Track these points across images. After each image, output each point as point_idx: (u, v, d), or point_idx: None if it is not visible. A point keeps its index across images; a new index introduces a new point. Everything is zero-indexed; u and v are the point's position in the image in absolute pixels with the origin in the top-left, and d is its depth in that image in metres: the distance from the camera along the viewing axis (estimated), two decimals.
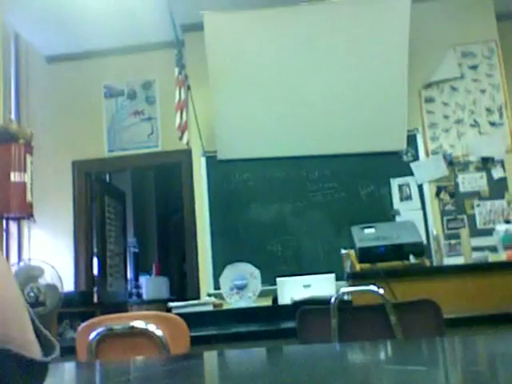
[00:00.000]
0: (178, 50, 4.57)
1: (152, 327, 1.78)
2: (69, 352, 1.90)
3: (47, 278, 4.37)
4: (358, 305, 1.91)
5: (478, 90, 4.74)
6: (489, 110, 4.72)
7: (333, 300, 1.74)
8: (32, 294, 4.24)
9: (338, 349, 1.27)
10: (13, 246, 4.76)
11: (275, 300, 3.50)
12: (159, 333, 1.78)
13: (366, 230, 3.26)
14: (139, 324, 1.79)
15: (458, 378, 0.77)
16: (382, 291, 1.75)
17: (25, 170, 4.21)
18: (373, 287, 1.77)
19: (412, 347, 1.18)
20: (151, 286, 6.25)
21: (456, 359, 1.03)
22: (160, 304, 5.09)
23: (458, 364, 0.95)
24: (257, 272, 3.46)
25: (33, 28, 4.77)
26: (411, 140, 4.75)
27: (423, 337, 1.67)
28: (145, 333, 1.79)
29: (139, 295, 6.49)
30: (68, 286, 4.71)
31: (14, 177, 4.16)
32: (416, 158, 4.76)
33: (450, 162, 4.71)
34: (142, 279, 6.42)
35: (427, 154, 4.76)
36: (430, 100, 4.80)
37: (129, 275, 6.50)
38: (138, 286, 6.56)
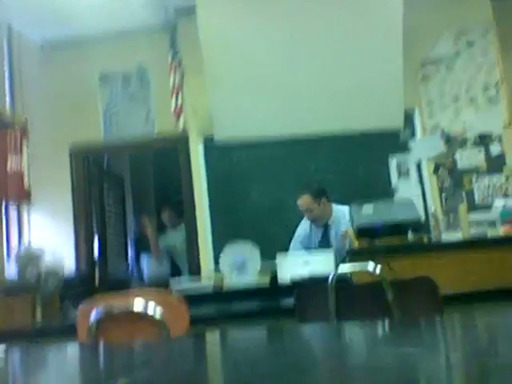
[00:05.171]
0: (170, 34, 4.53)
1: (151, 308, 1.80)
2: (71, 331, 1.92)
3: (48, 262, 4.40)
4: (355, 283, 1.93)
5: (474, 67, 4.72)
6: (485, 87, 4.70)
7: (330, 279, 1.76)
8: (33, 278, 4.27)
9: (331, 329, 1.29)
10: (13, 230, 4.78)
11: (274, 276, 3.50)
12: (158, 313, 1.80)
13: (364, 208, 3.27)
14: (138, 306, 1.81)
15: (456, 359, 0.78)
16: (378, 270, 1.76)
17: (21, 156, 4.21)
18: (370, 266, 1.78)
19: (406, 327, 1.19)
20: (152, 265, 6.26)
21: (453, 338, 1.05)
22: (161, 283, 5.12)
23: (454, 344, 0.97)
24: (256, 250, 3.48)
25: (25, 16, 4.72)
26: (408, 118, 4.74)
27: (420, 314, 1.69)
28: (144, 313, 1.81)
29: (141, 276, 6.51)
30: (69, 268, 4.73)
31: (11, 163, 4.16)
32: (413, 135, 4.76)
33: (448, 139, 4.71)
34: (143, 259, 6.43)
35: (424, 132, 4.75)
36: (426, 78, 4.78)
37: (129, 256, 6.53)
38: (139, 266, 6.58)
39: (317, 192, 3.82)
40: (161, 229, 5.48)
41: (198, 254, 4.79)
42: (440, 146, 4.70)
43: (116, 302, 1.83)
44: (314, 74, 4.63)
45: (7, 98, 4.92)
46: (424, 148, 4.74)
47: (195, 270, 4.78)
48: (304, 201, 3.79)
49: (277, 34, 4.55)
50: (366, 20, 4.48)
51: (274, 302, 2.59)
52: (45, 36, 5.05)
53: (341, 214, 3.79)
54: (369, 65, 4.57)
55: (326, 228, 3.86)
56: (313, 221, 3.86)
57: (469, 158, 4.68)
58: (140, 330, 1.81)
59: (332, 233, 3.91)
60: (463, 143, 4.70)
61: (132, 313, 1.81)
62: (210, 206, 4.80)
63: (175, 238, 5.25)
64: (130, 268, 6.48)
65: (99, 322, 1.79)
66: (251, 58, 4.59)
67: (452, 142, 4.71)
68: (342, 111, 4.68)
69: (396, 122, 4.72)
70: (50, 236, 4.85)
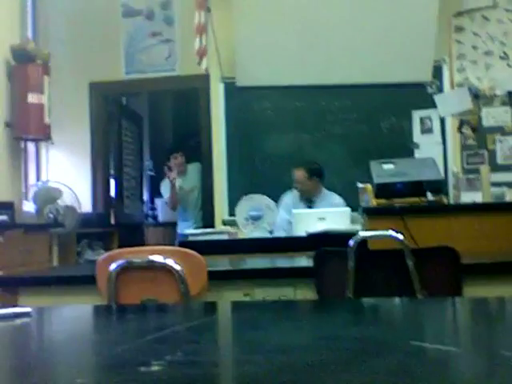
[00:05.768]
0: None
1: (170, 262, 1.81)
2: (89, 281, 1.94)
3: (65, 200, 4.45)
4: (375, 249, 1.92)
5: (511, 21, 4.52)
6: None
7: (351, 243, 1.74)
8: (51, 215, 4.33)
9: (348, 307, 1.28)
10: (31, 167, 4.79)
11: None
12: (178, 267, 1.81)
13: (385, 166, 3.21)
14: (158, 258, 1.81)
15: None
16: (401, 237, 1.74)
17: (42, 92, 4.16)
18: (392, 232, 1.76)
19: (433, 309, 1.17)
20: (166, 208, 6.32)
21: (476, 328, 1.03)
22: (175, 226, 5.18)
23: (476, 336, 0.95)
24: (273, 204, 3.47)
25: None
26: (437, 71, 4.60)
27: (440, 284, 1.68)
28: (164, 266, 1.82)
29: (155, 217, 6.59)
30: (86, 207, 4.78)
31: (32, 98, 4.11)
32: (440, 89, 4.62)
33: (475, 95, 4.58)
34: (158, 202, 6.49)
35: (452, 86, 4.62)
36: (459, 29, 4.60)
37: (145, 198, 6.58)
38: (153, 209, 6.65)
39: (312, 171, 4.02)
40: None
41: (213, 201, 4.80)
42: (467, 102, 4.57)
43: (136, 255, 1.84)
44: (342, 19, 4.48)
45: (30, 31, 4.81)
46: (450, 103, 4.61)
47: (208, 218, 4.80)
48: (298, 174, 4.00)
49: None
50: None
51: (290, 257, 2.60)
52: None
53: (331, 198, 4.00)
54: (401, 12, 4.40)
55: (310, 205, 4.02)
56: (301, 194, 3.96)
57: (495, 116, 4.56)
58: (159, 283, 1.83)
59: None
60: (491, 100, 4.57)
61: (152, 265, 1.82)
62: (228, 151, 4.77)
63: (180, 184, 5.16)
64: (145, 209, 6.54)
65: (118, 273, 1.81)
66: (281, 0, 4.44)
67: (480, 98, 4.58)
68: (368, 60, 4.55)
69: (424, 74, 4.59)
70: (68, 173, 4.87)
